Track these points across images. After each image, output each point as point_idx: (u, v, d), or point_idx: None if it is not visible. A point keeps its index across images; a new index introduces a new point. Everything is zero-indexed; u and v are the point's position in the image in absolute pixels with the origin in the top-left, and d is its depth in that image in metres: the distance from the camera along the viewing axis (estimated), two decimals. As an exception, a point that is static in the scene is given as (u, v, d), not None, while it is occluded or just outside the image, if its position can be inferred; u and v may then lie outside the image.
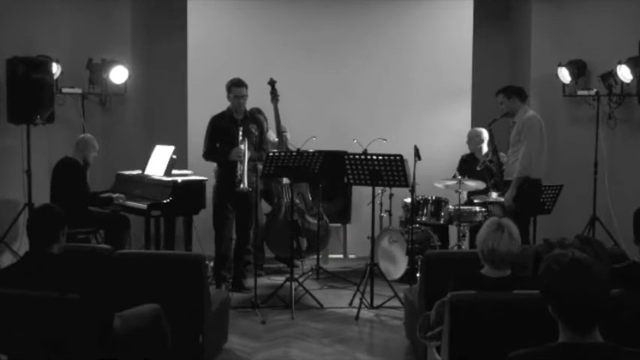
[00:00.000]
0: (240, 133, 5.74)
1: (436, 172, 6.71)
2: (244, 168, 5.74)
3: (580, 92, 7.18)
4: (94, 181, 6.36)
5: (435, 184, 6.45)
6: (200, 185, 6.18)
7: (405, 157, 5.59)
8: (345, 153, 5.84)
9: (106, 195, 6.20)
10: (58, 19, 7.07)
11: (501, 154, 6.18)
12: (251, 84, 6.08)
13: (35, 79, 6.14)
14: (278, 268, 7.04)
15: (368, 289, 5.66)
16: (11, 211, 6.48)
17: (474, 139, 6.75)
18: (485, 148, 6.58)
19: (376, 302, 5.67)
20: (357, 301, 5.61)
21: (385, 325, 5.34)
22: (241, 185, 5.75)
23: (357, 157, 5.69)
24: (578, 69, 7.22)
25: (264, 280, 6.40)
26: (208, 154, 6.05)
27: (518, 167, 5.70)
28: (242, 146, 5.74)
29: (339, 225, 7.43)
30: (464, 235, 6.21)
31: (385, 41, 7.62)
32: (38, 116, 6.18)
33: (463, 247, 6.18)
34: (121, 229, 6.07)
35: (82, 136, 6.31)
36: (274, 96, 6.40)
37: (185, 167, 6.79)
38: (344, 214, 7.38)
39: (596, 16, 7.25)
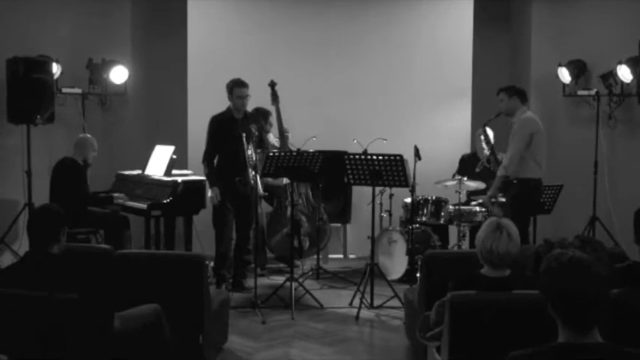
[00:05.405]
0: (244, 138, 5.73)
1: (436, 172, 6.71)
2: (254, 172, 5.78)
3: (580, 92, 7.17)
4: (94, 181, 6.36)
5: (435, 184, 6.46)
6: (200, 185, 6.18)
7: (405, 157, 5.59)
8: (345, 153, 5.84)
9: (105, 195, 6.20)
10: (58, 19, 7.07)
11: (502, 155, 6.16)
12: (251, 84, 6.07)
13: (35, 79, 6.14)
14: (278, 268, 7.04)
15: (368, 289, 5.66)
16: (11, 211, 6.49)
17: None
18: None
19: (376, 302, 5.67)
20: (357, 301, 5.61)
21: (385, 325, 5.34)
22: (260, 191, 5.97)
23: (357, 157, 5.69)
24: (578, 69, 7.21)
25: (264, 280, 6.41)
26: (205, 158, 6.00)
27: (500, 166, 5.68)
28: (249, 151, 5.75)
29: (339, 225, 7.43)
30: (464, 235, 6.21)
31: (385, 41, 7.62)
32: (38, 116, 6.19)
33: (463, 247, 6.18)
34: (120, 229, 6.07)
35: (81, 136, 6.31)
36: (275, 98, 6.39)
37: (185, 167, 6.79)
38: (344, 214, 7.38)
39: (596, 16, 7.25)
